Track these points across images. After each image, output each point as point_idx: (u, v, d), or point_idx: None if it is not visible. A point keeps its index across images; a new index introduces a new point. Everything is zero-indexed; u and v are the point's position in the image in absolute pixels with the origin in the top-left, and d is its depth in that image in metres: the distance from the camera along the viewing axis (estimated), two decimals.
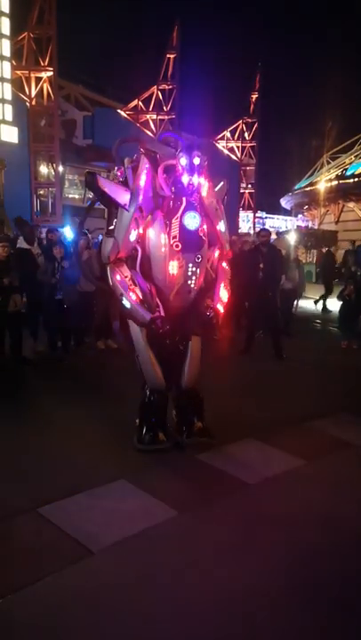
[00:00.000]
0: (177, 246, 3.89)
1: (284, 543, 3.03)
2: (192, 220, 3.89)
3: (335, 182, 34.04)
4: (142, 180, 3.87)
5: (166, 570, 2.76)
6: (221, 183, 4.28)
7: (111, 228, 3.97)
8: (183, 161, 3.89)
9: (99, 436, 4.52)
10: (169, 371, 4.19)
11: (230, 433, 4.50)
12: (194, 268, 3.98)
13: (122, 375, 5.93)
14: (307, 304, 12.73)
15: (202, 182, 4.00)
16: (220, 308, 4.21)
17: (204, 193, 4.04)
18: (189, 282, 4.01)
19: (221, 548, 2.98)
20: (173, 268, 3.92)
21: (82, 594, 2.56)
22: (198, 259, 3.98)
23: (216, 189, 4.19)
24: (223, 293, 4.25)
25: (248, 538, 3.08)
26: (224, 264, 4.32)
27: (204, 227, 3.99)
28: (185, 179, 3.90)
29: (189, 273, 3.98)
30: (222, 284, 4.26)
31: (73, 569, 2.73)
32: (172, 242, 3.87)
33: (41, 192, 21.30)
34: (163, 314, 3.98)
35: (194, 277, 4.01)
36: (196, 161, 3.92)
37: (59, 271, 6.93)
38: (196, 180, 3.94)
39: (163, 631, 2.37)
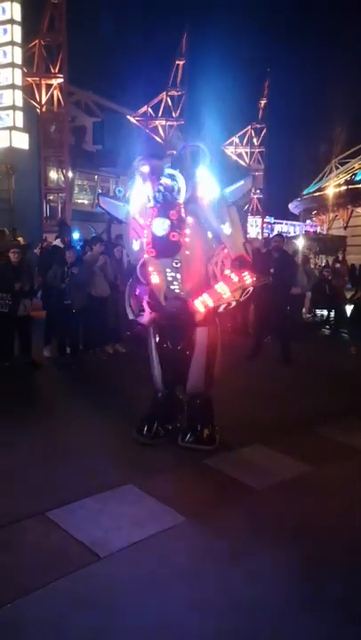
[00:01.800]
0: (151, 252, 4.00)
1: (291, 550, 3.03)
2: (159, 226, 3.93)
3: (344, 187, 33.92)
4: (133, 191, 4.13)
5: (173, 575, 2.76)
6: (240, 182, 4.05)
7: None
8: (144, 169, 4.02)
9: (107, 440, 4.54)
10: (175, 375, 4.33)
11: (238, 438, 4.50)
12: (173, 274, 4.04)
13: (130, 380, 5.96)
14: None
15: (181, 186, 3.98)
16: (199, 305, 4.03)
17: (200, 194, 4.01)
18: (172, 287, 4.07)
19: (229, 553, 2.98)
20: (152, 274, 4.07)
21: (89, 598, 2.57)
22: (177, 264, 4.00)
23: (229, 190, 4.02)
24: (208, 296, 4.00)
25: (255, 544, 3.08)
26: (227, 271, 3.97)
27: (178, 231, 3.93)
28: (147, 186, 4.01)
29: (169, 278, 4.05)
30: (216, 288, 3.99)
31: (80, 573, 2.74)
32: (146, 248, 4.02)
33: (51, 197, 21.45)
34: (145, 319, 4.25)
35: (175, 283, 4.05)
36: (145, 169, 4.02)
37: (68, 276, 6.98)
38: (164, 185, 3.95)
39: (169, 636, 2.38)
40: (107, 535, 3.06)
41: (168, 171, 4.04)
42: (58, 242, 8.39)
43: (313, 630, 2.44)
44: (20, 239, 10.13)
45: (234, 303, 4.02)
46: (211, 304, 4.00)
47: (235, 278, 3.88)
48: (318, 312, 12.01)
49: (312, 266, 12.71)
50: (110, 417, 5.11)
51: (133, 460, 4.08)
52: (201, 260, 4.11)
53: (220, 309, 4.05)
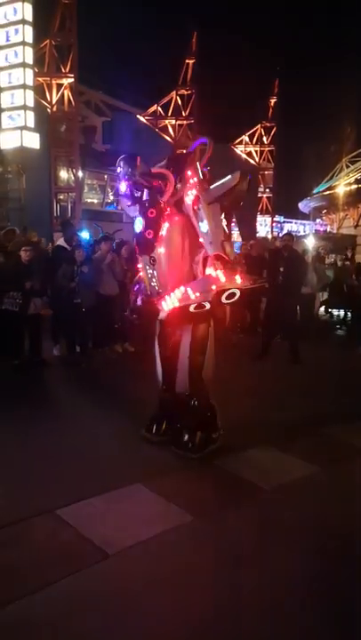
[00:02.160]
0: (136, 249, 4.31)
1: (299, 550, 3.02)
2: (137, 224, 4.19)
3: (355, 186, 33.69)
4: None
5: (181, 573, 2.77)
6: (226, 178, 3.87)
7: None
8: (118, 169, 4.14)
9: (115, 439, 4.56)
10: (173, 373, 4.34)
11: (246, 438, 4.50)
12: (150, 270, 4.16)
13: (139, 379, 5.97)
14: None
15: (168, 185, 4.02)
16: (164, 304, 3.98)
17: (185, 193, 4.01)
18: (152, 283, 4.18)
19: (236, 552, 2.98)
20: (141, 269, 4.32)
21: (97, 596, 2.59)
22: (153, 260, 4.10)
23: (213, 186, 3.92)
24: (173, 295, 3.90)
25: (263, 543, 3.08)
26: (209, 270, 3.79)
27: (152, 229, 4.06)
28: (122, 185, 4.16)
29: (148, 275, 4.19)
30: (183, 288, 3.86)
31: (89, 571, 2.76)
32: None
33: (61, 197, 21.54)
34: (133, 312, 4.60)
35: (154, 279, 4.16)
36: (118, 170, 4.13)
37: (77, 275, 7.01)
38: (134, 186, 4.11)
39: (176, 634, 2.39)
40: (115, 533, 3.08)
41: (158, 170, 4.09)
42: (62, 241, 8.24)
43: (324, 632, 2.43)
44: (34, 234, 10.15)
45: (208, 305, 3.76)
46: (176, 304, 3.87)
47: (222, 278, 3.69)
48: (335, 312, 11.94)
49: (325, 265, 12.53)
50: (119, 416, 5.13)
51: (142, 460, 4.09)
52: (184, 258, 4.14)
53: (192, 309, 3.81)
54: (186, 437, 4.15)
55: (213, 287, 3.69)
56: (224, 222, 3.91)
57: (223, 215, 3.92)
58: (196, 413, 4.22)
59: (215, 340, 4.30)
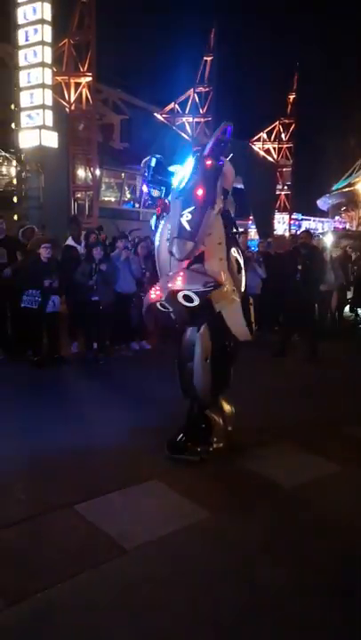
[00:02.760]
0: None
1: (317, 548, 3.00)
2: (152, 222, 4.25)
3: None
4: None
5: (198, 569, 2.78)
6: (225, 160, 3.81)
7: None
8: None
9: (132, 436, 4.59)
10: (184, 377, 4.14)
11: (264, 435, 4.49)
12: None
13: (156, 376, 5.99)
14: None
15: (174, 182, 3.99)
16: (152, 294, 3.99)
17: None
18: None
19: (254, 549, 2.98)
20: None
21: (115, 590, 2.61)
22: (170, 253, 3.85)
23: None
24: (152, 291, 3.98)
25: (280, 541, 3.07)
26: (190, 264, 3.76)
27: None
28: (144, 188, 4.14)
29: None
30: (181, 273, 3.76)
31: (107, 566, 2.78)
32: None
33: (78, 195, 21.66)
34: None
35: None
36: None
37: (96, 273, 7.06)
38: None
39: (193, 629, 2.39)
40: (132, 529, 3.10)
41: (173, 168, 4.06)
42: (70, 241, 8.03)
43: (341, 630, 2.41)
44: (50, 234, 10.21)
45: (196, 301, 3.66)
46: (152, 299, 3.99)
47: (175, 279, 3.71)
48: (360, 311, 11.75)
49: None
50: (136, 413, 5.15)
51: (158, 456, 4.10)
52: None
53: (180, 299, 3.70)
54: (182, 442, 4.05)
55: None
56: (187, 217, 3.62)
57: (193, 208, 3.63)
58: (191, 419, 4.11)
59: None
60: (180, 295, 3.67)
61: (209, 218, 3.69)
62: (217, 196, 3.74)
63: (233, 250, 3.90)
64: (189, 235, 3.63)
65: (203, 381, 3.94)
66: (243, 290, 4.01)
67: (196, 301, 3.67)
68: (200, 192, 3.66)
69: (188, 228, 3.63)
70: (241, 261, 3.99)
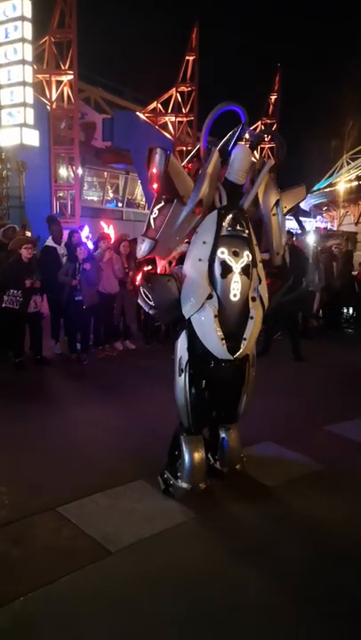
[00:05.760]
0: None
1: (302, 547, 3.02)
2: None
3: (355, 183, 33.64)
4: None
5: (183, 571, 2.77)
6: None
7: None
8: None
9: (116, 436, 4.55)
10: None
11: (248, 435, 4.49)
12: None
13: (140, 376, 5.97)
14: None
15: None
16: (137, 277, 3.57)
17: None
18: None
19: (238, 550, 2.98)
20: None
21: (100, 593, 2.58)
22: None
23: None
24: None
25: (265, 540, 3.08)
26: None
27: None
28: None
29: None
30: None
31: (91, 568, 2.76)
32: None
33: (60, 194, 21.48)
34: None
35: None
36: None
37: (79, 273, 7.00)
38: None
39: (179, 631, 2.38)
40: (117, 530, 3.08)
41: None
42: (50, 241, 7.79)
43: (327, 630, 2.43)
44: (28, 233, 10.07)
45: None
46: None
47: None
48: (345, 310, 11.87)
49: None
50: (120, 413, 5.12)
51: (143, 456, 4.08)
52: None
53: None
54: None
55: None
56: (154, 214, 3.36)
57: (161, 204, 3.37)
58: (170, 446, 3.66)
59: None
60: (141, 291, 3.36)
61: (177, 217, 3.32)
62: (195, 195, 3.31)
63: (221, 251, 3.33)
64: (150, 231, 3.35)
65: (177, 399, 3.48)
66: (234, 297, 3.37)
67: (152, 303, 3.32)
68: (155, 186, 3.36)
69: (152, 224, 3.35)
70: (233, 265, 3.37)
